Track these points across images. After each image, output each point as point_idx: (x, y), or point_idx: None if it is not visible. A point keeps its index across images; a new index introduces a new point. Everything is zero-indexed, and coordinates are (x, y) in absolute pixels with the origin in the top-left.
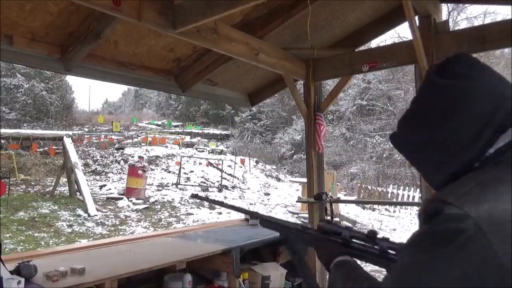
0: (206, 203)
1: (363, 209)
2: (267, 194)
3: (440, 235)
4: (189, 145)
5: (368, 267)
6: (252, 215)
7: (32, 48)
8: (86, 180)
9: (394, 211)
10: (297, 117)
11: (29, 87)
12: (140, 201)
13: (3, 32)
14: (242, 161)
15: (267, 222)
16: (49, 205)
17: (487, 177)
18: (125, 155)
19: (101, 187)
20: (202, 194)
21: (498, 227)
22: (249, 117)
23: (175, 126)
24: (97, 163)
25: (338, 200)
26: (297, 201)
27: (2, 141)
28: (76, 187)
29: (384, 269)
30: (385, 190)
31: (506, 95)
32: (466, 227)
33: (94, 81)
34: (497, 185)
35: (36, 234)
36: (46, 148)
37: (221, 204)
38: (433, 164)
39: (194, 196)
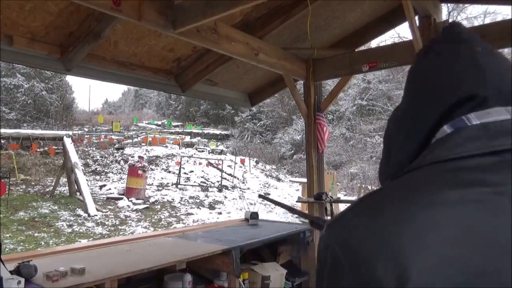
0: (206, 203)
1: None
2: (267, 194)
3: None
4: (189, 145)
5: None
6: (318, 220)
7: (32, 48)
8: (86, 180)
9: None
10: (297, 117)
11: (29, 87)
12: (140, 201)
13: (3, 32)
14: (242, 161)
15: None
16: (49, 205)
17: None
18: (125, 155)
19: (101, 187)
20: (202, 194)
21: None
22: (249, 117)
23: (175, 126)
24: (97, 163)
25: (338, 200)
26: (297, 201)
27: (2, 141)
28: (76, 187)
29: None
30: None
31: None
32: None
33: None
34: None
35: (36, 234)
36: (46, 148)
37: (290, 209)
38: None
39: (261, 196)
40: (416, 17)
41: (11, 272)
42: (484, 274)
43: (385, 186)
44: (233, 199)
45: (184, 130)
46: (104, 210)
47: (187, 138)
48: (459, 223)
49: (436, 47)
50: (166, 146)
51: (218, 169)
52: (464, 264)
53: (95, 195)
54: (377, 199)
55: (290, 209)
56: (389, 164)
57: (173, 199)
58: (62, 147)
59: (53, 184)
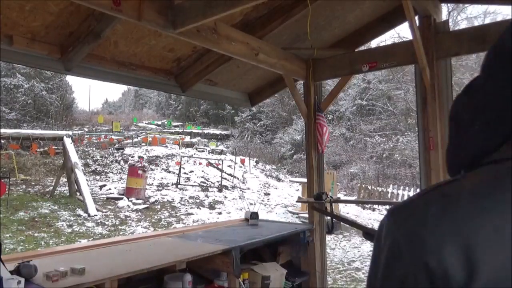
0: (206, 203)
1: (363, 209)
2: (267, 194)
3: None
4: (189, 145)
5: None
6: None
7: (32, 48)
8: (86, 180)
9: None
10: (297, 117)
11: (29, 87)
12: (140, 201)
13: (3, 32)
14: (242, 161)
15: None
16: (49, 205)
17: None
18: (125, 155)
19: (101, 187)
20: (202, 194)
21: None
22: (249, 117)
23: (175, 126)
24: (97, 163)
25: (338, 200)
26: (297, 201)
27: (2, 141)
28: (76, 187)
29: None
30: (385, 190)
31: None
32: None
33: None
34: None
35: (36, 234)
36: (46, 148)
37: (351, 223)
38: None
39: (314, 208)
40: (416, 17)
41: (11, 272)
42: None
43: (461, 177)
44: (233, 199)
45: (184, 130)
46: (104, 210)
47: (187, 138)
48: None
49: None
50: (166, 146)
51: (218, 169)
52: None
53: (95, 195)
54: (453, 190)
55: (352, 224)
56: (460, 154)
57: (173, 199)
58: (62, 147)
59: (53, 184)
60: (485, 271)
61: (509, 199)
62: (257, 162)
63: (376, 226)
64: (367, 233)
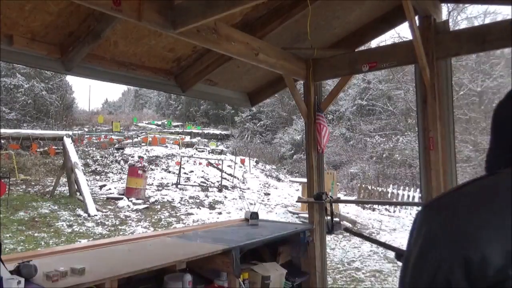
0: (206, 203)
1: (363, 209)
2: (267, 194)
3: None
4: (189, 145)
5: None
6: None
7: (32, 48)
8: (86, 180)
9: (394, 211)
10: (297, 117)
11: (29, 87)
12: (140, 201)
13: (3, 32)
14: (242, 161)
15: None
16: (49, 205)
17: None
18: (125, 155)
19: (101, 187)
20: (202, 194)
21: None
22: (249, 117)
23: (175, 126)
24: (97, 163)
25: (338, 200)
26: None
27: (2, 141)
28: (76, 187)
29: None
30: (385, 190)
31: None
32: None
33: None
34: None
35: (36, 234)
36: (46, 148)
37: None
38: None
39: (346, 229)
40: (416, 17)
41: (11, 272)
42: None
43: (499, 172)
44: (233, 199)
45: (184, 130)
46: (104, 210)
47: (187, 138)
48: None
49: None
50: (166, 146)
51: (218, 169)
52: None
53: (95, 195)
54: (491, 182)
55: (379, 243)
56: (497, 154)
57: (173, 199)
58: (62, 147)
59: (53, 184)
60: None
61: None
62: (257, 162)
63: (376, 226)
64: (399, 255)
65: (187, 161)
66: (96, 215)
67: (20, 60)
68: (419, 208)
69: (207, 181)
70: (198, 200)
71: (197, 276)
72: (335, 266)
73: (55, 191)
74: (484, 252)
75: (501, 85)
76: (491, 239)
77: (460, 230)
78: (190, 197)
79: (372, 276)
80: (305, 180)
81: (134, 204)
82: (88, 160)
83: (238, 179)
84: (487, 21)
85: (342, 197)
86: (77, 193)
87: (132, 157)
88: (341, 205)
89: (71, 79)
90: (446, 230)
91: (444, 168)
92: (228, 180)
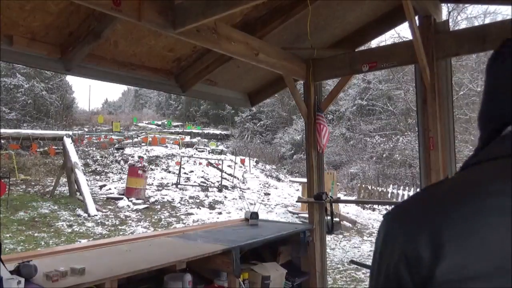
0: (206, 203)
1: (363, 209)
2: (267, 194)
3: None
4: (189, 145)
5: None
6: None
7: (32, 48)
8: (86, 180)
9: None
10: (297, 117)
11: (29, 87)
12: (140, 201)
13: (3, 32)
14: (242, 161)
15: None
16: (49, 205)
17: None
18: (125, 155)
19: (101, 187)
20: (202, 194)
21: None
22: (249, 117)
23: (175, 126)
24: (97, 163)
25: (338, 200)
26: (297, 201)
27: (2, 141)
28: (76, 187)
29: None
30: (385, 190)
31: None
32: None
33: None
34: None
35: (36, 234)
36: (46, 148)
37: None
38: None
39: (352, 262)
40: (416, 17)
41: (11, 272)
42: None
43: (446, 179)
44: (233, 199)
45: (184, 130)
46: (104, 210)
47: (187, 138)
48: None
49: (506, 53)
50: (166, 146)
51: (218, 169)
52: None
53: (95, 195)
54: (434, 189)
55: None
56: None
57: (173, 199)
58: (62, 147)
59: (53, 184)
60: (450, 254)
61: (476, 193)
62: (257, 162)
63: (376, 226)
64: None
65: (187, 161)
66: (96, 215)
67: (20, 60)
68: None
69: (207, 181)
70: (198, 200)
71: (197, 276)
72: (335, 266)
73: (55, 191)
74: (418, 252)
75: None
76: (424, 238)
77: (402, 233)
78: (190, 197)
79: None
80: (305, 180)
81: (134, 204)
82: (88, 160)
83: (238, 179)
84: (487, 21)
85: (342, 197)
86: (77, 193)
87: (132, 157)
88: (341, 205)
89: (71, 79)
90: (392, 235)
91: (444, 168)
92: (228, 180)
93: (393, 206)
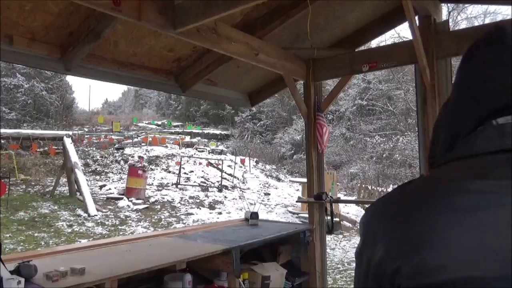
0: (206, 203)
1: (363, 209)
2: (267, 194)
3: None
4: (189, 145)
5: None
6: None
7: (32, 48)
8: (86, 180)
9: None
10: (297, 117)
11: (29, 87)
12: (140, 201)
13: (3, 32)
14: (242, 161)
15: None
16: (49, 205)
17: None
18: (125, 155)
19: (101, 187)
20: (202, 194)
21: None
22: (249, 117)
23: (175, 126)
24: (97, 163)
25: (338, 200)
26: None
27: (2, 141)
28: (76, 187)
29: None
30: (385, 190)
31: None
32: None
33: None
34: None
35: (36, 234)
36: (46, 148)
37: None
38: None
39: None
40: (416, 17)
41: (11, 272)
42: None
43: (417, 178)
44: (233, 199)
45: (184, 130)
46: (104, 210)
47: (187, 138)
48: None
49: (480, 51)
50: (166, 146)
51: (218, 169)
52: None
53: (95, 195)
54: (405, 188)
55: None
56: (434, 152)
57: (173, 199)
58: (62, 147)
59: (53, 184)
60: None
61: (446, 191)
62: (257, 162)
63: None
64: None
65: (187, 161)
66: (96, 215)
67: (20, 60)
68: None
69: (207, 181)
70: (198, 200)
71: (197, 276)
72: (335, 266)
73: (55, 191)
74: (384, 250)
75: None
76: (392, 236)
77: (375, 231)
78: (190, 197)
79: None
80: (305, 180)
81: (134, 204)
82: (88, 160)
83: (238, 179)
84: (487, 21)
85: (342, 197)
86: (77, 193)
87: (132, 157)
88: (341, 205)
89: (71, 79)
90: (367, 232)
91: None
92: (228, 180)
93: (373, 202)
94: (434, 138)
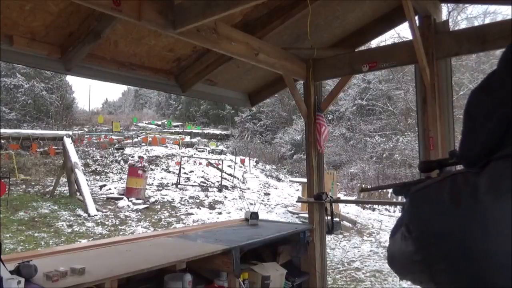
0: (206, 203)
1: (363, 209)
2: (267, 194)
3: None
4: (189, 145)
5: None
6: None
7: (32, 48)
8: (86, 180)
9: (394, 211)
10: (297, 117)
11: (29, 87)
12: (140, 201)
13: (3, 32)
14: (242, 161)
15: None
16: (49, 205)
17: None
18: (125, 155)
19: (101, 187)
20: (202, 194)
21: None
22: (249, 117)
23: (175, 126)
24: (97, 163)
25: (338, 200)
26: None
27: (2, 141)
28: (76, 187)
29: None
30: (385, 190)
31: None
32: None
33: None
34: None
35: (36, 234)
36: (46, 148)
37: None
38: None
39: (362, 190)
40: (416, 17)
41: (11, 272)
42: None
43: (466, 172)
44: (233, 199)
45: (184, 130)
46: (104, 210)
47: (187, 138)
48: None
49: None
50: (166, 146)
51: (218, 169)
52: None
53: (95, 195)
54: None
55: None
56: (474, 148)
57: (173, 199)
58: (62, 147)
59: (53, 184)
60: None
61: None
62: (257, 162)
63: (376, 226)
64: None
65: (187, 161)
66: (96, 215)
67: (20, 60)
68: None
69: (207, 181)
70: (198, 200)
71: (197, 276)
72: (335, 266)
73: (55, 191)
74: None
75: None
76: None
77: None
78: (190, 197)
79: (372, 276)
80: (305, 180)
81: (134, 204)
82: (88, 160)
83: (238, 179)
84: (487, 21)
85: (342, 197)
86: (77, 193)
87: (132, 157)
88: (341, 205)
89: (71, 79)
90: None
91: None
92: (228, 180)
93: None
94: (469, 132)
